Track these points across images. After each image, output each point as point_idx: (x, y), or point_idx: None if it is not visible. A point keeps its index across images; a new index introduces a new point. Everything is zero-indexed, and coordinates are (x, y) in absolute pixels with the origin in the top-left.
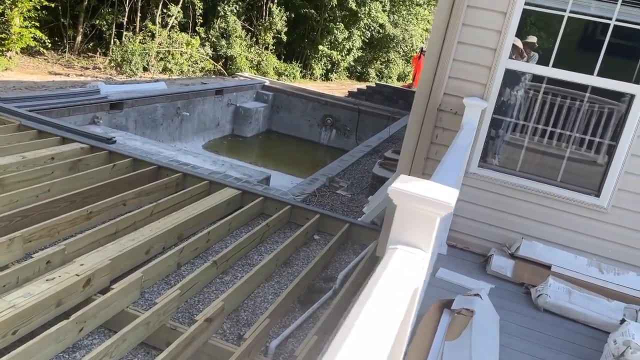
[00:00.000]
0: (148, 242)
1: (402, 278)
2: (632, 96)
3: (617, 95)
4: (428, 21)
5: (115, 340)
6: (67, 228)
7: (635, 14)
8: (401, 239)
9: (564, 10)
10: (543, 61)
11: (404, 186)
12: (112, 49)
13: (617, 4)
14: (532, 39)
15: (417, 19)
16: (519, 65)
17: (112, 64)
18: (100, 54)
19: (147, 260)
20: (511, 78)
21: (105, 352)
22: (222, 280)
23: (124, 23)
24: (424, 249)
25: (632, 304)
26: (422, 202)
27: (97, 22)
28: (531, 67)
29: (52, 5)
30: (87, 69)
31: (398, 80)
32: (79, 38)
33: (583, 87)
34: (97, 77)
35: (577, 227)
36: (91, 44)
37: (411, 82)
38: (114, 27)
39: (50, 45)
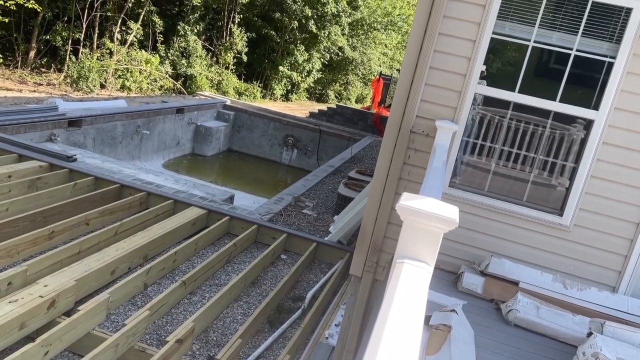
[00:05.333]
0: (113, 262)
1: (415, 292)
2: (591, 121)
3: (578, 121)
4: (385, 45)
5: None
6: (27, 248)
7: (593, 45)
8: (407, 254)
9: (529, 40)
10: (509, 87)
11: (410, 203)
12: (68, 65)
13: (577, 35)
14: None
15: (374, 42)
16: (487, 91)
17: (68, 80)
18: (54, 70)
19: (113, 280)
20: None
21: None
22: (190, 300)
23: (81, 39)
24: (429, 262)
25: (595, 318)
26: (429, 219)
27: (52, 37)
28: (498, 92)
29: (6, 20)
30: (40, 85)
31: (356, 102)
32: (32, 53)
33: (545, 113)
34: (51, 93)
35: (542, 245)
36: (45, 60)
37: (370, 104)
38: (69, 43)
39: (1, 61)
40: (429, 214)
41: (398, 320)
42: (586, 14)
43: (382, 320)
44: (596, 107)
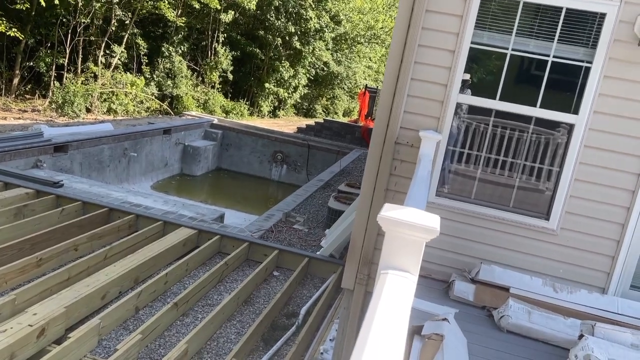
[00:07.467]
0: (104, 287)
1: (398, 302)
2: (572, 126)
3: (559, 126)
4: (370, 58)
5: None
6: (16, 277)
7: (570, 50)
8: (391, 264)
9: (507, 49)
10: (491, 95)
11: (391, 214)
12: (53, 91)
13: (553, 42)
14: (465, 76)
15: (359, 56)
16: (469, 99)
17: (53, 106)
18: (39, 96)
19: (104, 305)
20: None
21: None
22: (183, 322)
23: (65, 64)
24: (412, 272)
25: (586, 320)
26: (410, 228)
27: (35, 63)
28: (480, 101)
29: None
30: (25, 111)
31: (343, 115)
32: (16, 80)
33: (528, 119)
34: (36, 119)
35: (530, 250)
36: (29, 87)
37: (357, 117)
38: (53, 68)
39: None
40: (409, 223)
41: (381, 330)
42: (561, 20)
43: (365, 330)
44: (576, 112)
